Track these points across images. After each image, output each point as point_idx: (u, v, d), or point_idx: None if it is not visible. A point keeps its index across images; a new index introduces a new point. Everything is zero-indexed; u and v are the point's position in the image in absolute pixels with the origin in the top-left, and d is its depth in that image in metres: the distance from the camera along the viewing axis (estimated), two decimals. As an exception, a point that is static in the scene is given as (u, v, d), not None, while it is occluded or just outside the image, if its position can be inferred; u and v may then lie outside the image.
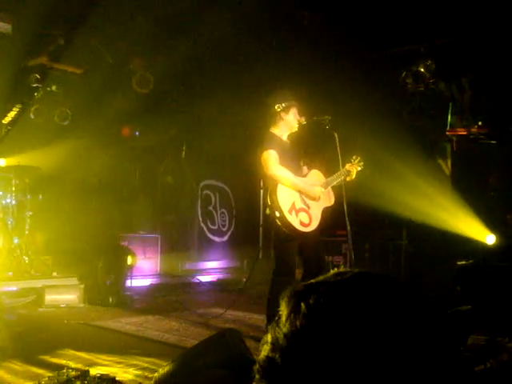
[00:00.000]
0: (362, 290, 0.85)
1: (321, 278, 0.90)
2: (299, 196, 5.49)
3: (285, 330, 0.83)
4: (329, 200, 5.76)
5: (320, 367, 0.78)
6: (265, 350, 0.85)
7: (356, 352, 0.78)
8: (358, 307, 0.81)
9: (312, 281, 0.90)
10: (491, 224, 8.62)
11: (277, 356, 0.83)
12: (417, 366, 0.79)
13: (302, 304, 0.84)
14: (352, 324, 0.80)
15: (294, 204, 5.39)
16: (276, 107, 5.59)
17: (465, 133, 8.86)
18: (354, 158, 5.91)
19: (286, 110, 5.59)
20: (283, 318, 0.85)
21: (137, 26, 8.96)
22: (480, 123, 8.62)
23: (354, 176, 5.81)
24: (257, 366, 0.86)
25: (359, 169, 5.87)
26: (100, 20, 8.60)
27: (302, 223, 5.38)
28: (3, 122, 9.51)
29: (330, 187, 5.76)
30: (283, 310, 0.87)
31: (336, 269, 0.94)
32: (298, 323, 0.82)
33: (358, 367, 0.77)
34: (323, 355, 0.79)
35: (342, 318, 0.80)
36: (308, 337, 0.81)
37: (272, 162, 5.37)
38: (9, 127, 9.38)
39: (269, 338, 0.86)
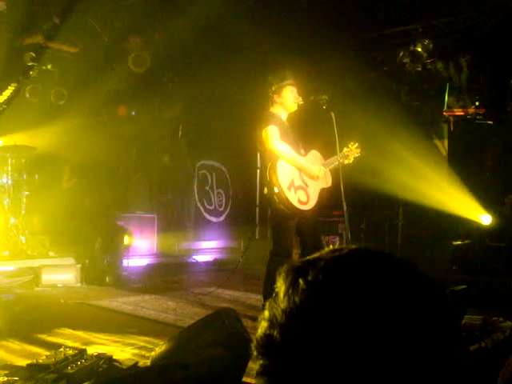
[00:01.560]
0: (361, 266, 0.85)
1: (317, 254, 0.90)
2: (299, 173, 5.49)
3: (283, 306, 0.83)
4: (326, 182, 5.76)
5: (320, 343, 0.79)
6: (262, 328, 0.85)
7: (356, 328, 0.78)
8: (357, 283, 0.82)
9: (309, 257, 0.90)
10: (487, 204, 8.64)
11: (275, 333, 0.82)
12: (416, 340, 0.79)
13: (301, 280, 0.84)
14: (351, 299, 0.80)
15: (293, 181, 5.40)
16: (269, 90, 5.59)
17: (462, 113, 8.84)
18: (351, 144, 5.93)
19: (278, 91, 5.57)
20: (281, 295, 0.85)
21: (133, 4, 8.88)
22: (477, 103, 8.60)
23: (351, 160, 5.85)
24: (254, 343, 0.86)
25: (357, 155, 5.89)
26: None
27: (299, 201, 5.38)
28: (-1, 100, 9.46)
29: (327, 169, 5.76)
30: (280, 287, 0.86)
31: (331, 246, 0.94)
32: (296, 299, 0.82)
33: (359, 343, 0.78)
34: (323, 331, 0.79)
35: (341, 294, 0.80)
36: (307, 313, 0.81)
37: (274, 136, 5.36)
38: (4, 106, 9.32)
39: (266, 314, 0.86)
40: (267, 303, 0.87)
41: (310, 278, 0.83)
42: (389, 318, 0.79)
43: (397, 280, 0.83)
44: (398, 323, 0.79)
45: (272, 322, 0.84)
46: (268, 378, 0.83)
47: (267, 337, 0.83)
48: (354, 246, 0.90)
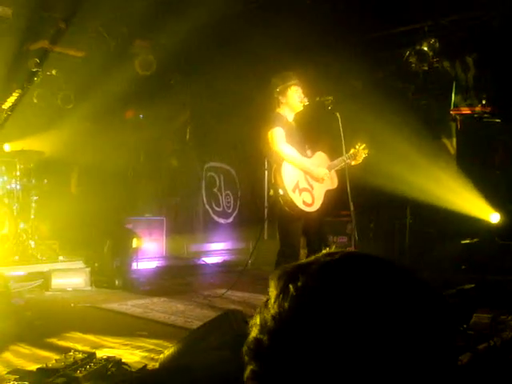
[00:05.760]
0: (351, 272, 0.85)
1: (311, 258, 0.90)
2: (304, 175, 5.51)
3: (273, 311, 0.84)
4: (331, 183, 5.76)
5: (308, 349, 0.79)
6: (253, 332, 0.86)
7: (344, 335, 0.78)
8: (347, 289, 0.82)
9: (302, 261, 0.90)
10: (496, 202, 8.60)
11: (265, 338, 0.83)
12: (405, 347, 0.79)
13: (291, 286, 0.84)
14: (340, 306, 0.80)
15: (297, 183, 5.42)
16: (274, 91, 5.61)
17: (469, 112, 8.81)
18: (358, 144, 5.91)
19: (282, 92, 5.60)
20: (272, 300, 0.86)
21: (138, 8, 8.91)
22: (484, 102, 8.56)
23: (359, 161, 5.84)
24: (245, 348, 0.86)
25: (364, 156, 5.87)
26: (101, 2, 8.55)
27: (304, 202, 5.40)
28: (3, 107, 9.47)
29: (333, 170, 5.76)
30: (272, 292, 0.87)
31: (328, 249, 0.94)
32: (286, 305, 0.83)
33: (346, 351, 0.78)
34: (310, 337, 0.79)
35: (330, 301, 0.81)
36: (295, 319, 0.81)
37: (279, 138, 5.40)
38: (9, 112, 9.35)
39: (257, 319, 0.86)
40: (259, 308, 0.88)
41: (299, 284, 0.84)
42: (377, 324, 0.79)
43: (387, 286, 0.83)
44: (386, 329, 0.79)
45: (262, 326, 0.84)
46: (258, 383, 0.83)
47: (257, 341, 0.84)
48: (347, 251, 0.90)
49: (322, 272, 0.85)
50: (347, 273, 0.85)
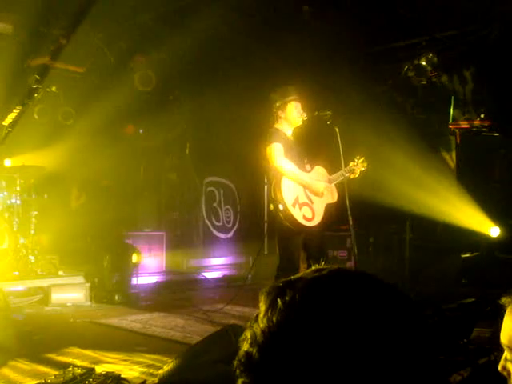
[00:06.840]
0: (336, 287, 0.87)
1: (299, 274, 0.92)
2: (303, 190, 5.52)
3: (262, 325, 0.86)
4: (331, 197, 5.78)
5: (295, 362, 0.80)
6: (244, 346, 0.87)
7: (329, 348, 0.80)
8: (333, 304, 0.83)
9: (291, 277, 0.92)
10: (496, 216, 8.60)
11: (254, 351, 0.84)
12: (386, 357, 0.81)
13: (279, 300, 0.86)
14: (327, 320, 0.81)
15: (297, 198, 5.43)
16: (273, 106, 5.64)
17: (467, 126, 8.84)
18: (357, 158, 5.95)
19: (281, 107, 5.63)
20: (261, 315, 0.87)
21: (138, 23, 8.97)
22: (482, 116, 8.59)
23: (357, 175, 5.87)
24: (236, 361, 0.88)
25: (363, 169, 5.90)
26: (101, 18, 8.61)
27: (304, 217, 5.41)
28: (3, 123, 9.49)
29: (333, 184, 5.78)
30: (261, 306, 0.89)
31: (317, 265, 0.96)
32: (274, 319, 0.85)
33: (331, 363, 0.79)
34: (298, 350, 0.81)
35: (315, 315, 0.82)
36: (283, 332, 0.83)
37: (277, 153, 5.41)
38: (9, 129, 9.36)
39: (248, 333, 0.88)
40: (249, 322, 0.89)
41: (287, 298, 0.86)
42: (359, 337, 0.80)
43: (370, 301, 0.85)
44: (366, 341, 0.81)
45: (252, 340, 0.86)
46: None
47: (247, 355, 0.85)
48: (334, 267, 0.92)
49: (308, 287, 0.88)
50: (332, 288, 0.87)
